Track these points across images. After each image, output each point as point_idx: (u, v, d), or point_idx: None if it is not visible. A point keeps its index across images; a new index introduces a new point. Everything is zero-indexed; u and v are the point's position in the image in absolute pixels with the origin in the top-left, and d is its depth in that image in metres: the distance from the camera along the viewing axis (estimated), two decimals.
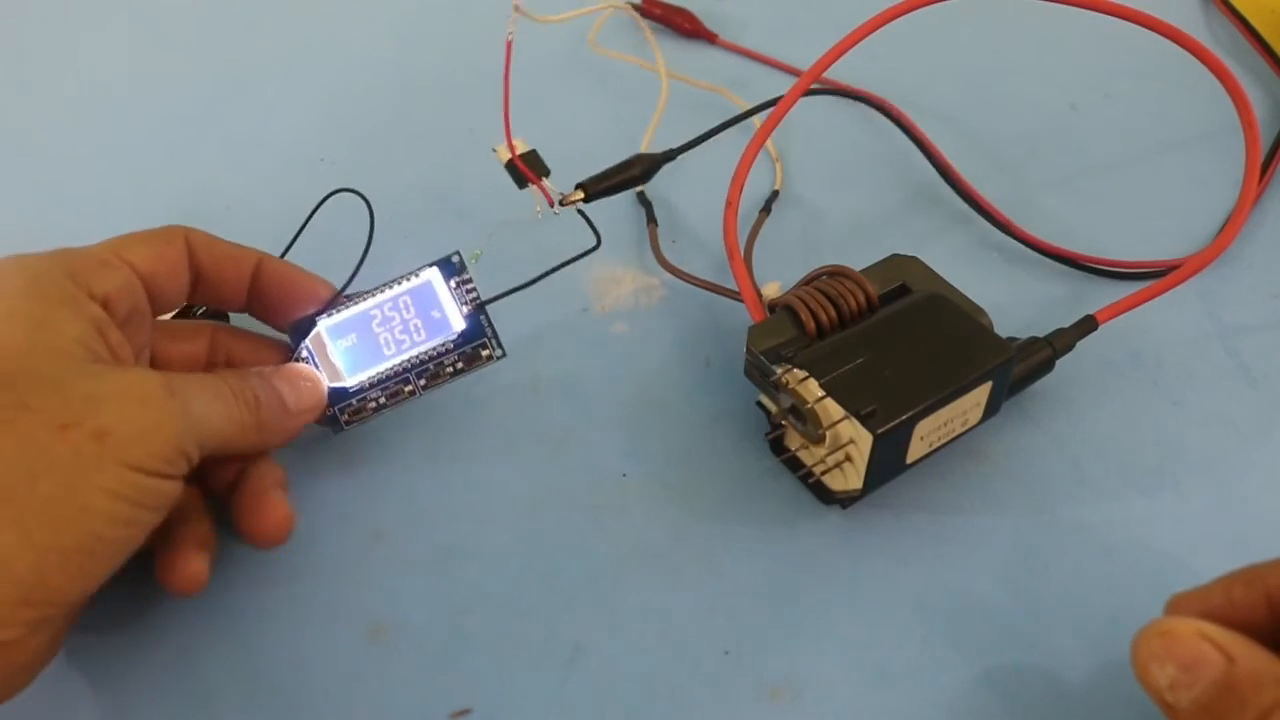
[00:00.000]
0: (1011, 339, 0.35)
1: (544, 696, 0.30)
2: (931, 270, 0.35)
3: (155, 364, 0.32)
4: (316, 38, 0.51)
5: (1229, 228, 0.39)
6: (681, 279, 0.39)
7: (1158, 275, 0.39)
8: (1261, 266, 0.41)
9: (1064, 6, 0.39)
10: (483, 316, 0.35)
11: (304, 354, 0.34)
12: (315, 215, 0.42)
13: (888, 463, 0.31)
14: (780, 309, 0.34)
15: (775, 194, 0.43)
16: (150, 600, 0.31)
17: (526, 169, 0.35)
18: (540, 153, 0.43)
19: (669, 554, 0.33)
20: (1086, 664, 0.30)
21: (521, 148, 0.35)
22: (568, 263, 0.36)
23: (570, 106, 0.47)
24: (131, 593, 0.31)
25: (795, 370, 0.31)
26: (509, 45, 0.34)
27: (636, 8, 0.50)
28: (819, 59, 0.38)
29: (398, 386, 0.35)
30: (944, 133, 0.46)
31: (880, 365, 0.31)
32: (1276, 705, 0.21)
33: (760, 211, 0.42)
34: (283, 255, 0.38)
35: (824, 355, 0.32)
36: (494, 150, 0.36)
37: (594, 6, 0.42)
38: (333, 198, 0.43)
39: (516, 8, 0.35)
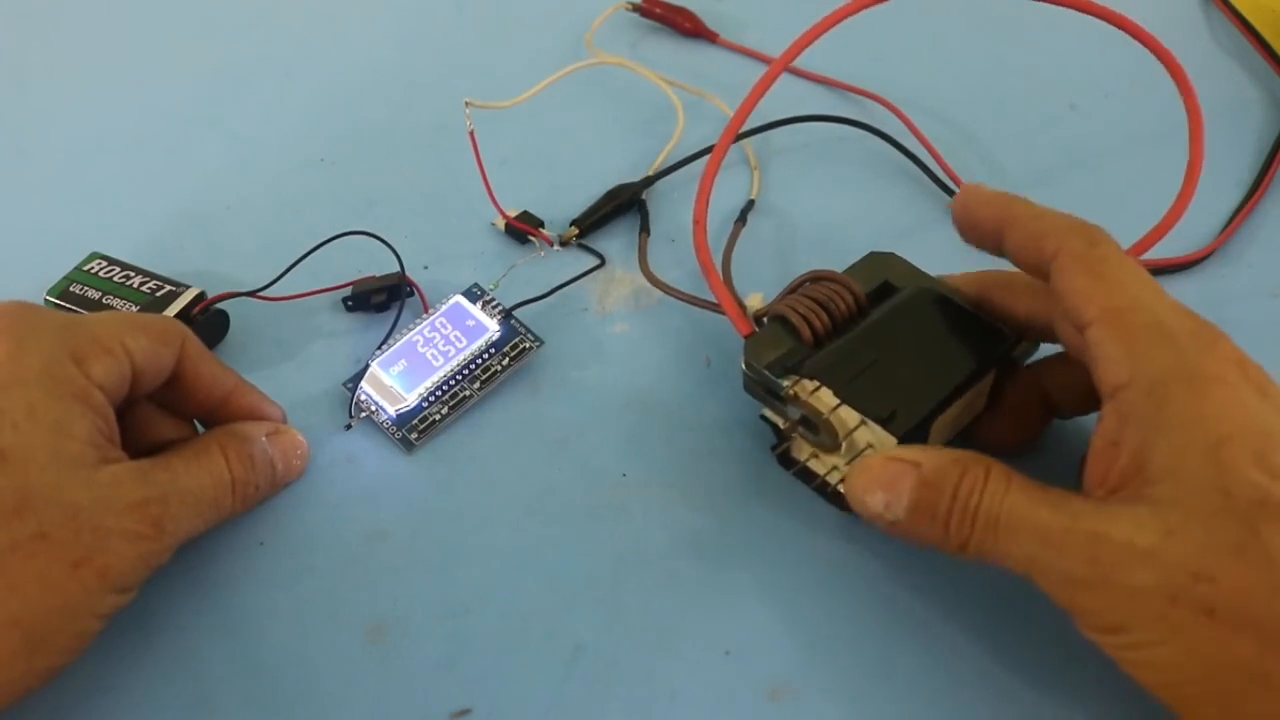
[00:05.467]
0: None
1: (544, 696, 0.30)
2: (910, 264, 0.35)
3: None
4: (316, 38, 0.51)
5: (1227, 230, 0.39)
6: (667, 293, 0.38)
7: (1157, 274, 0.39)
8: (1261, 266, 0.41)
9: (1058, 7, 0.39)
10: (513, 320, 0.38)
11: (362, 395, 0.35)
12: (312, 220, 0.42)
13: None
14: (771, 320, 0.33)
15: (751, 203, 0.43)
16: (150, 600, 0.31)
17: (523, 227, 0.41)
18: (540, 155, 0.44)
19: (669, 554, 0.33)
20: (1089, 663, 0.30)
21: (513, 212, 0.41)
22: (578, 278, 0.40)
23: (569, 109, 0.47)
24: None
25: (805, 381, 0.31)
26: (472, 135, 0.39)
27: (637, 8, 0.50)
28: (787, 48, 0.37)
29: (456, 392, 0.36)
30: (943, 133, 0.46)
31: (889, 367, 0.31)
32: (960, 479, 0.27)
33: (735, 222, 0.42)
34: (282, 276, 0.38)
35: (831, 363, 0.31)
36: (493, 224, 0.42)
37: (551, 78, 0.42)
38: (327, 197, 0.43)
39: (468, 103, 0.38)
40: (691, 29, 0.50)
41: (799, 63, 0.49)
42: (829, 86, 0.48)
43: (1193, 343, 0.26)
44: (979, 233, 0.31)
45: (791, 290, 0.34)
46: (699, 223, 0.36)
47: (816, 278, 0.34)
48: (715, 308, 0.36)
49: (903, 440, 0.29)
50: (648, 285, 0.40)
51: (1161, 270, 0.40)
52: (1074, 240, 0.28)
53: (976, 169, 0.45)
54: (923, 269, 0.35)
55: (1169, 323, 0.26)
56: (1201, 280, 0.40)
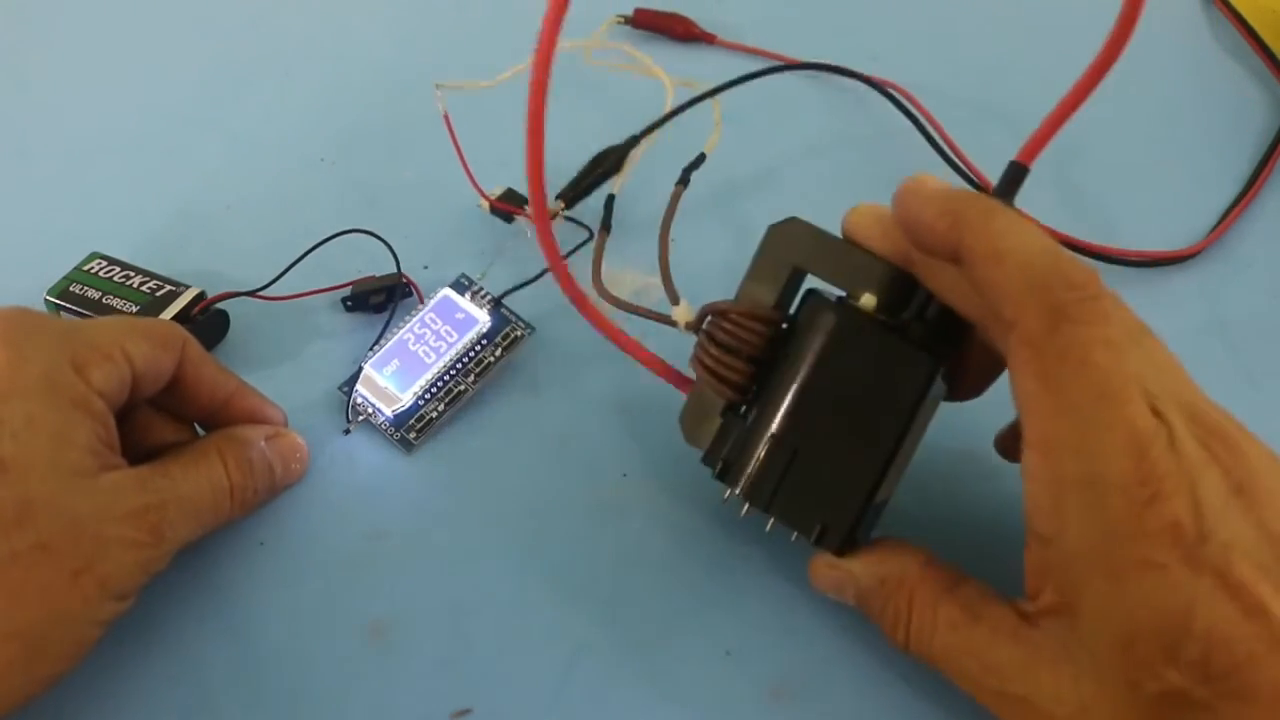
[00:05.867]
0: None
1: (544, 696, 0.30)
2: (817, 232, 0.30)
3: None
4: (316, 38, 0.51)
5: (1224, 223, 0.39)
6: (610, 302, 0.34)
7: (1151, 267, 0.40)
8: (1262, 264, 0.41)
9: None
10: (503, 309, 0.38)
11: (359, 398, 0.35)
12: (312, 220, 0.42)
13: (867, 524, 0.30)
14: (694, 384, 0.31)
15: (701, 157, 0.38)
16: (150, 601, 0.31)
17: (507, 206, 0.40)
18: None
19: (669, 554, 0.33)
20: None
21: (497, 191, 0.40)
22: (569, 254, 0.39)
23: (569, 123, 0.46)
24: None
25: (735, 493, 0.30)
26: (447, 118, 0.38)
27: (628, 19, 0.50)
28: None
29: (450, 388, 0.36)
30: (942, 128, 0.46)
31: (811, 454, 0.29)
32: (885, 604, 0.29)
33: (676, 185, 0.36)
34: (281, 276, 0.38)
35: (753, 466, 0.29)
36: (478, 206, 0.41)
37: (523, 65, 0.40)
38: (327, 197, 0.43)
39: (438, 86, 0.38)
40: (685, 33, 0.50)
41: (797, 54, 0.49)
42: (838, 68, 0.48)
43: (1124, 507, 0.23)
44: (931, 246, 0.26)
45: (701, 319, 0.31)
46: (537, 204, 0.26)
47: (715, 312, 0.30)
48: (660, 319, 0.32)
49: (842, 547, 0.29)
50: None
51: (1156, 263, 0.40)
52: (1034, 316, 0.24)
53: (975, 166, 0.45)
54: (831, 232, 0.30)
55: (1105, 475, 0.23)
56: (1201, 278, 0.40)
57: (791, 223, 0.30)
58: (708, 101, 0.41)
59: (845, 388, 0.29)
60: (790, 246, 0.30)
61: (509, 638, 0.31)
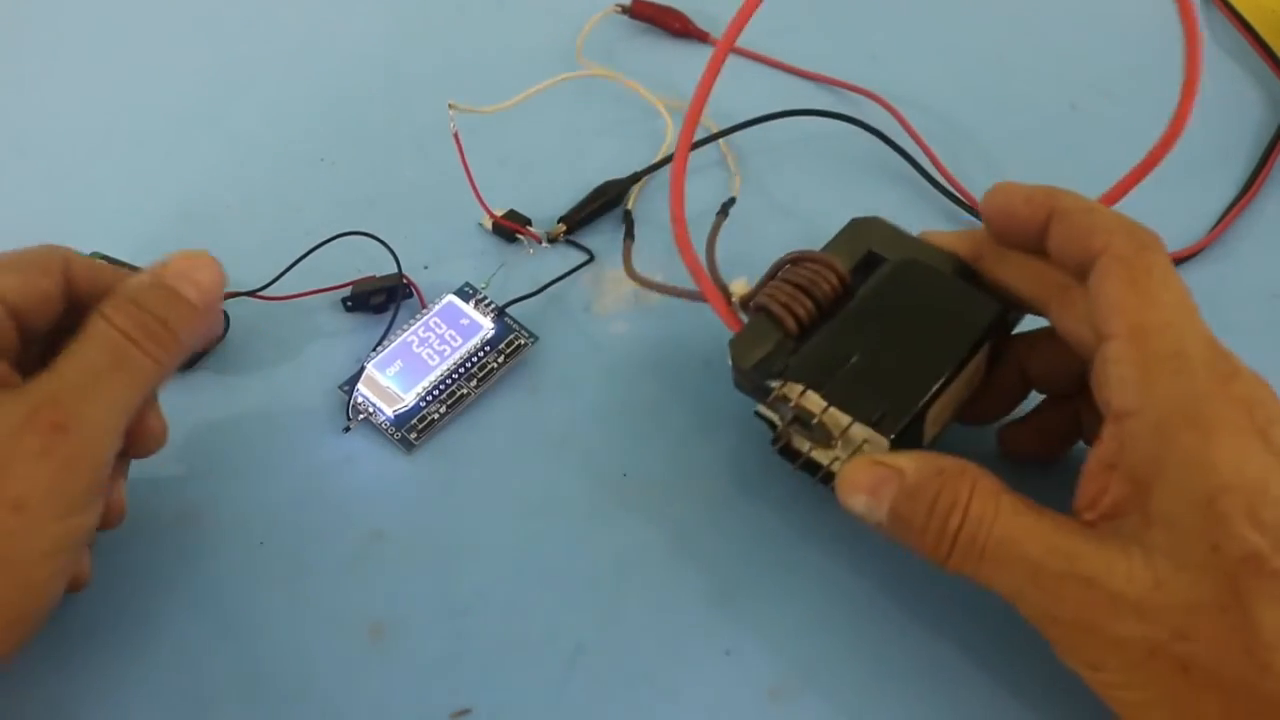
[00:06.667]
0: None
1: (544, 696, 0.30)
2: (895, 228, 0.34)
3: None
4: (316, 38, 0.51)
5: (1223, 223, 0.39)
6: (653, 289, 0.37)
7: None
8: (1260, 266, 0.41)
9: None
10: (506, 318, 0.38)
11: (359, 398, 0.35)
12: (312, 220, 0.42)
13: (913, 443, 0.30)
14: (754, 312, 0.32)
15: (732, 200, 0.42)
16: (149, 600, 0.31)
17: (510, 225, 0.41)
18: (538, 157, 0.44)
19: (669, 554, 0.33)
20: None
21: (500, 211, 0.41)
22: (568, 274, 0.40)
23: (565, 112, 0.47)
24: (131, 591, 0.31)
25: (792, 384, 0.30)
26: (456, 137, 0.39)
27: (625, 9, 0.50)
28: (730, 25, 0.34)
29: (453, 392, 0.36)
30: (942, 132, 0.46)
31: (876, 356, 0.30)
32: (939, 493, 0.27)
33: (717, 214, 0.40)
34: (281, 276, 0.38)
35: (815, 359, 0.30)
36: (480, 224, 0.42)
37: (535, 88, 0.42)
38: (327, 197, 0.43)
39: (452, 105, 0.38)
40: (681, 29, 0.50)
41: (796, 60, 0.49)
42: (826, 85, 0.48)
43: (1208, 378, 0.25)
44: (1017, 230, 0.30)
45: (773, 274, 0.33)
46: (678, 220, 0.33)
47: (797, 259, 0.33)
48: (703, 298, 0.35)
49: (897, 437, 0.29)
50: (643, 293, 0.40)
51: None
52: (1123, 241, 0.27)
53: (975, 169, 0.45)
54: (908, 231, 0.34)
55: (1190, 352, 0.26)
56: (1200, 279, 0.39)
57: (874, 219, 0.34)
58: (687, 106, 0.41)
59: (913, 312, 0.31)
60: (869, 234, 0.34)
61: (509, 638, 0.31)
